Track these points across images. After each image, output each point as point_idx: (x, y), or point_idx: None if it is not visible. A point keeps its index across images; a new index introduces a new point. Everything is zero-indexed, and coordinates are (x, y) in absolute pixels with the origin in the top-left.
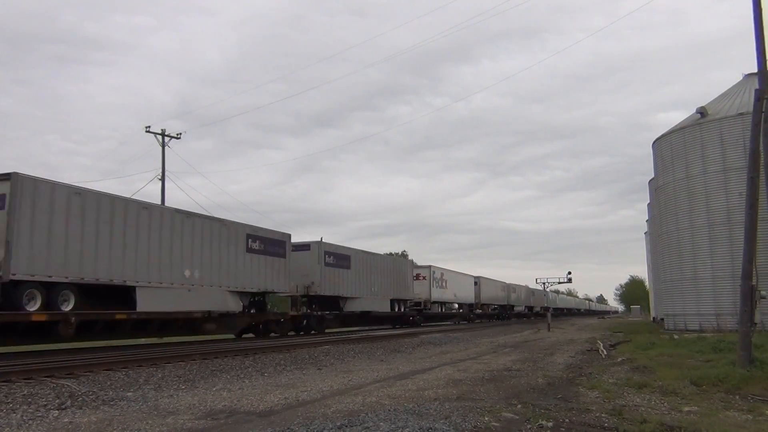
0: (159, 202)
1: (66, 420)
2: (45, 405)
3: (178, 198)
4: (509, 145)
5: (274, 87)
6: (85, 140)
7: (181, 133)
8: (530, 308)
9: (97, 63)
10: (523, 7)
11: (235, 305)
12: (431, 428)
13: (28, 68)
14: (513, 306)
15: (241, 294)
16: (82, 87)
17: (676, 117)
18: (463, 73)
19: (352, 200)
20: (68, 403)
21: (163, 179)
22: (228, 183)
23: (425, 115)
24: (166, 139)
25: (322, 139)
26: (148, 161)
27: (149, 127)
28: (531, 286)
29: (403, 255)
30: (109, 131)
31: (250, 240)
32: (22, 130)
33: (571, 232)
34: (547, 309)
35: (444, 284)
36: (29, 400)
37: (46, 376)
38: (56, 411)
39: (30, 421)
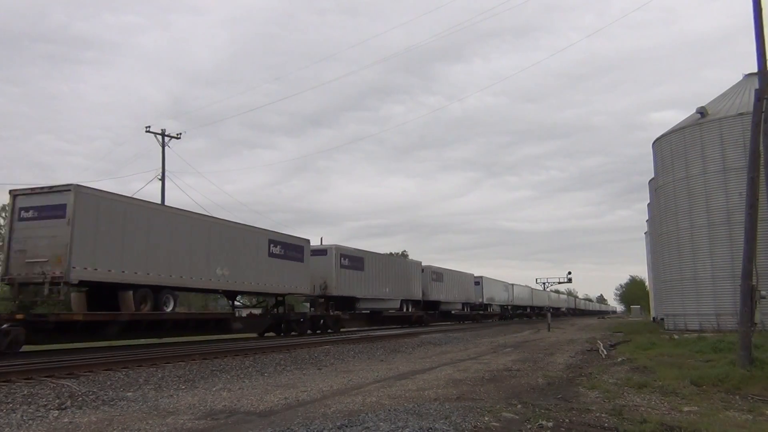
0: (159, 202)
1: (66, 420)
2: (45, 405)
3: (177, 198)
4: (504, 145)
5: (267, 86)
6: (79, 140)
7: (180, 133)
8: (471, 306)
9: (88, 62)
10: (513, 6)
11: None
12: (431, 428)
13: (18, 67)
14: (385, 302)
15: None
16: (74, 86)
17: (670, 116)
18: (456, 72)
19: (349, 200)
20: (68, 403)
21: (163, 179)
22: (224, 183)
23: (420, 116)
24: (166, 139)
25: (316, 138)
26: (143, 161)
27: (149, 127)
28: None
29: (403, 255)
30: (102, 131)
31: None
32: (15, 130)
33: (570, 232)
34: (483, 308)
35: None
36: (29, 400)
37: (46, 376)
38: (56, 411)
39: (30, 421)
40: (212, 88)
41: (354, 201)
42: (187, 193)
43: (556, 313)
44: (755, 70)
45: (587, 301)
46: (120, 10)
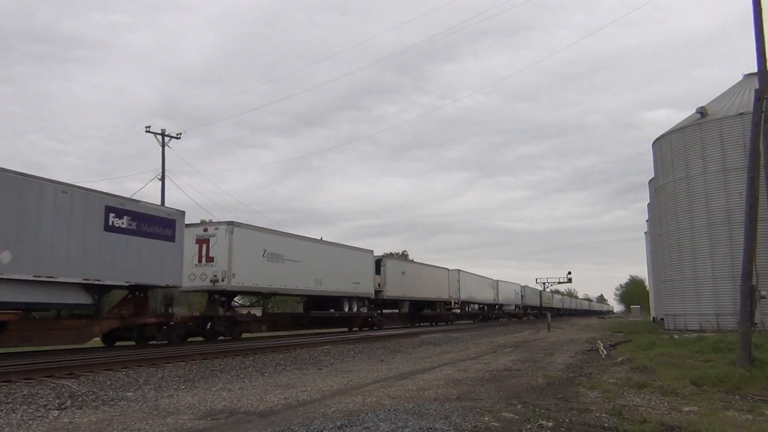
0: (159, 202)
1: (66, 420)
2: (45, 405)
3: (176, 198)
4: (498, 145)
5: (258, 86)
6: (71, 139)
7: (180, 133)
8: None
9: (78, 61)
10: (503, 5)
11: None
12: (431, 428)
13: (7, 66)
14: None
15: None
16: (65, 85)
17: (664, 115)
18: (448, 72)
19: (345, 200)
20: (68, 403)
21: (163, 179)
22: (219, 182)
23: (413, 118)
24: (166, 139)
25: (310, 138)
26: (137, 160)
27: (149, 127)
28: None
29: (404, 255)
30: (94, 130)
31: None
32: (7, 129)
33: (567, 233)
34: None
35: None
36: (29, 400)
37: (46, 376)
38: (56, 411)
39: (30, 421)
40: (203, 87)
41: (350, 201)
42: (187, 193)
43: (515, 313)
44: (751, 69)
45: (582, 300)
46: (107, 9)
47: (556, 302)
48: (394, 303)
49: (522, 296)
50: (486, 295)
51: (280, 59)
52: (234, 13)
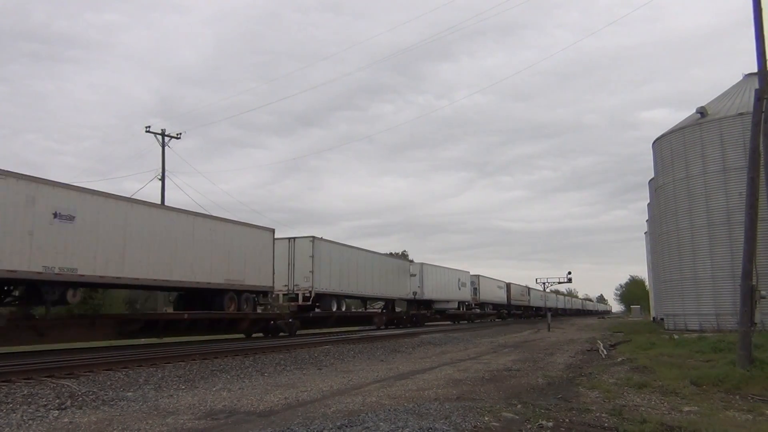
0: (159, 202)
1: (66, 420)
2: (45, 405)
3: (176, 198)
4: (495, 145)
5: (254, 85)
6: (67, 139)
7: (180, 133)
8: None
9: (73, 61)
10: (499, 5)
11: None
12: (431, 428)
13: (2, 65)
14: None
15: None
16: (60, 85)
17: (660, 115)
18: (444, 71)
19: (343, 200)
20: (68, 403)
21: (163, 179)
22: (216, 182)
23: (411, 119)
24: (166, 139)
25: (306, 138)
26: (134, 160)
27: (149, 127)
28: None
29: (404, 255)
30: (90, 130)
31: None
32: (3, 129)
33: (566, 232)
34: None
35: None
36: (29, 400)
37: (46, 376)
38: (56, 411)
39: (30, 421)
40: (199, 88)
41: (348, 201)
42: (187, 193)
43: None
44: (751, 69)
45: (574, 299)
46: (101, 9)
47: (536, 299)
48: (43, 288)
49: (475, 290)
50: (393, 287)
51: (276, 59)
52: (229, 13)
